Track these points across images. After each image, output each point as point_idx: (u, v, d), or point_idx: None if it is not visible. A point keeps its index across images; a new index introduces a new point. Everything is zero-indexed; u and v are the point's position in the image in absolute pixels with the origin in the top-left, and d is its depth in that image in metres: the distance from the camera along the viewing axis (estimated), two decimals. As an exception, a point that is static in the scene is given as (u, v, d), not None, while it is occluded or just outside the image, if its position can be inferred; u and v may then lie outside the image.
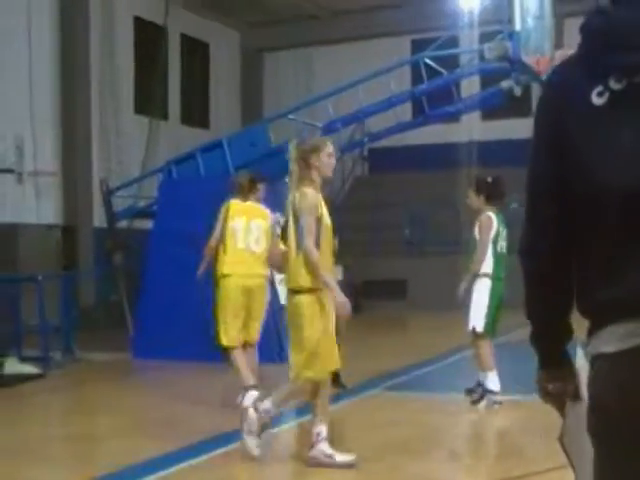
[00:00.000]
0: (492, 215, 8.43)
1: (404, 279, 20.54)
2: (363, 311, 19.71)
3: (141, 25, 21.61)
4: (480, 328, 8.31)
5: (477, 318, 8.33)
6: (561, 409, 2.44)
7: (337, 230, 10.53)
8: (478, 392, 8.47)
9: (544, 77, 12.60)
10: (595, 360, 2.23)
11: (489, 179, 8.56)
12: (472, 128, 21.16)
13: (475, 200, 8.55)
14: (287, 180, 7.69)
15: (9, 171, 15.63)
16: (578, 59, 2.24)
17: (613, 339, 2.15)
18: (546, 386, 2.43)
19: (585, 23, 2.24)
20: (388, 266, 20.41)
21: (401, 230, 20.74)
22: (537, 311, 2.37)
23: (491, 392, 8.36)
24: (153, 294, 13.08)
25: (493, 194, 8.46)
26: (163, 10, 21.31)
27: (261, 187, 8.87)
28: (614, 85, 2.15)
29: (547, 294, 2.33)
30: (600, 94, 2.16)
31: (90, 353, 12.97)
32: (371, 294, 20.51)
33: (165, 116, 21.93)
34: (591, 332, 2.24)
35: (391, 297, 20.42)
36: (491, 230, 8.40)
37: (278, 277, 12.47)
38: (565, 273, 2.28)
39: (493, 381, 8.34)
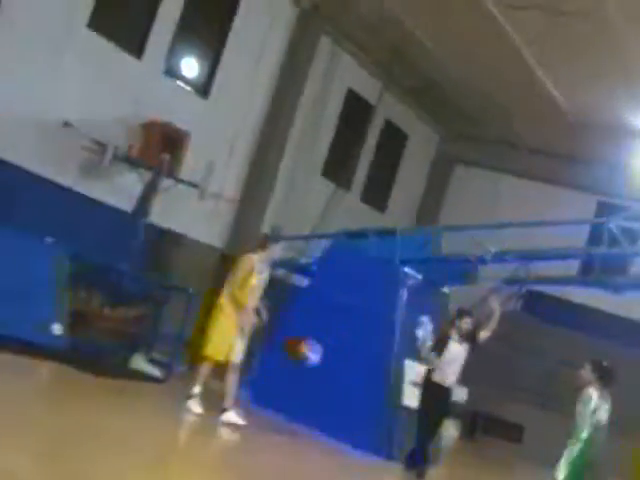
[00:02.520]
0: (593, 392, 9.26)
1: (521, 424, 20.22)
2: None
3: (352, 98, 22.18)
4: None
5: (560, 470, 9.31)
6: None
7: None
8: None
9: None
10: None
11: (605, 363, 9.52)
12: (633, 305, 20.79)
13: (588, 375, 9.33)
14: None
15: (195, 186, 16.29)
16: None
17: None
18: None
19: None
20: (505, 407, 20.14)
21: (532, 377, 20.45)
22: None
23: None
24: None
25: (605, 377, 9.38)
26: (378, 91, 21.98)
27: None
28: None
29: None
30: None
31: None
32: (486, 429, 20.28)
33: (348, 188, 22.43)
34: None
35: (506, 438, 20.14)
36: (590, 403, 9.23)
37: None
38: None
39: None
